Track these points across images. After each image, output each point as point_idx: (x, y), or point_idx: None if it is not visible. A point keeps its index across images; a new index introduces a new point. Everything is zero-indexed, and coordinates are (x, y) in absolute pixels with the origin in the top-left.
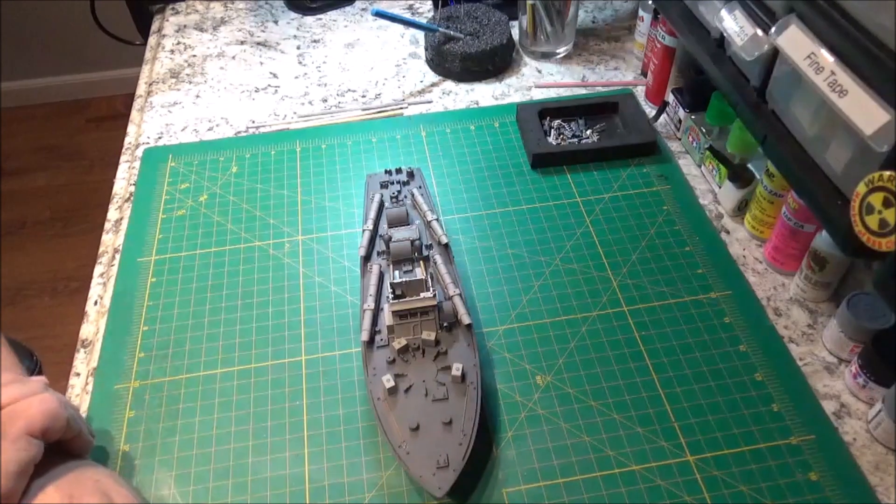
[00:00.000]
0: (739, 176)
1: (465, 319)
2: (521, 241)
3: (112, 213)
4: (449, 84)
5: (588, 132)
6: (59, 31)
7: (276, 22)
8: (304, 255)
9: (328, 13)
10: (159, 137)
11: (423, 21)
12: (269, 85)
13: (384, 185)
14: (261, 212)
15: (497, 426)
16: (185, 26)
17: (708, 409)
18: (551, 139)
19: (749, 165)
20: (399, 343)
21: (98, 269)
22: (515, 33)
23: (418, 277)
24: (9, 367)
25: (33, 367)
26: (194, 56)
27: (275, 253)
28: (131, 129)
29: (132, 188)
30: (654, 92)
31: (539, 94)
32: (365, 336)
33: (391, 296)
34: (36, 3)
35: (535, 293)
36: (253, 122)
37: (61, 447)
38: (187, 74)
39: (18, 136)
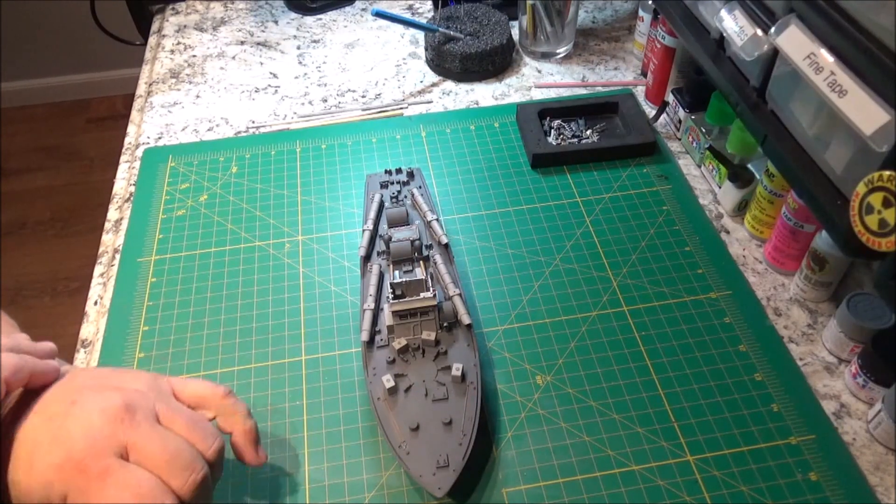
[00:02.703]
0: (739, 176)
1: (465, 319)
2: (521, 241)
3: (112, 213)
4: (449, 84)
5: (588, 132)
6: (59, 31)
7: (276, 22)
8: (304, 255)
9: (328, 13)
10: (159, 137)
11: (423, 21)
12: (269, 85)
13: (384, 185)
14: (261, 212)
15: (497, 426)
16: (185, 26)
17: (708, 409)
18: (551, 139)
19: (749, 165)
20: (399, 343)
21: (98, 269)
22: (515, 33)
23: (418, 277)
24: None
25: None
26: (194, 56)
27: (275, 253)
28: (131, 129)
29: (132, 188)
30: (654, 92)
31: (539, 94)
32: (365, 336)
33: (391, 296)
34: (36, 3)
35: (535, 293)
36: (253, 122)
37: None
38: (187, 74)
39: (18, 136)
